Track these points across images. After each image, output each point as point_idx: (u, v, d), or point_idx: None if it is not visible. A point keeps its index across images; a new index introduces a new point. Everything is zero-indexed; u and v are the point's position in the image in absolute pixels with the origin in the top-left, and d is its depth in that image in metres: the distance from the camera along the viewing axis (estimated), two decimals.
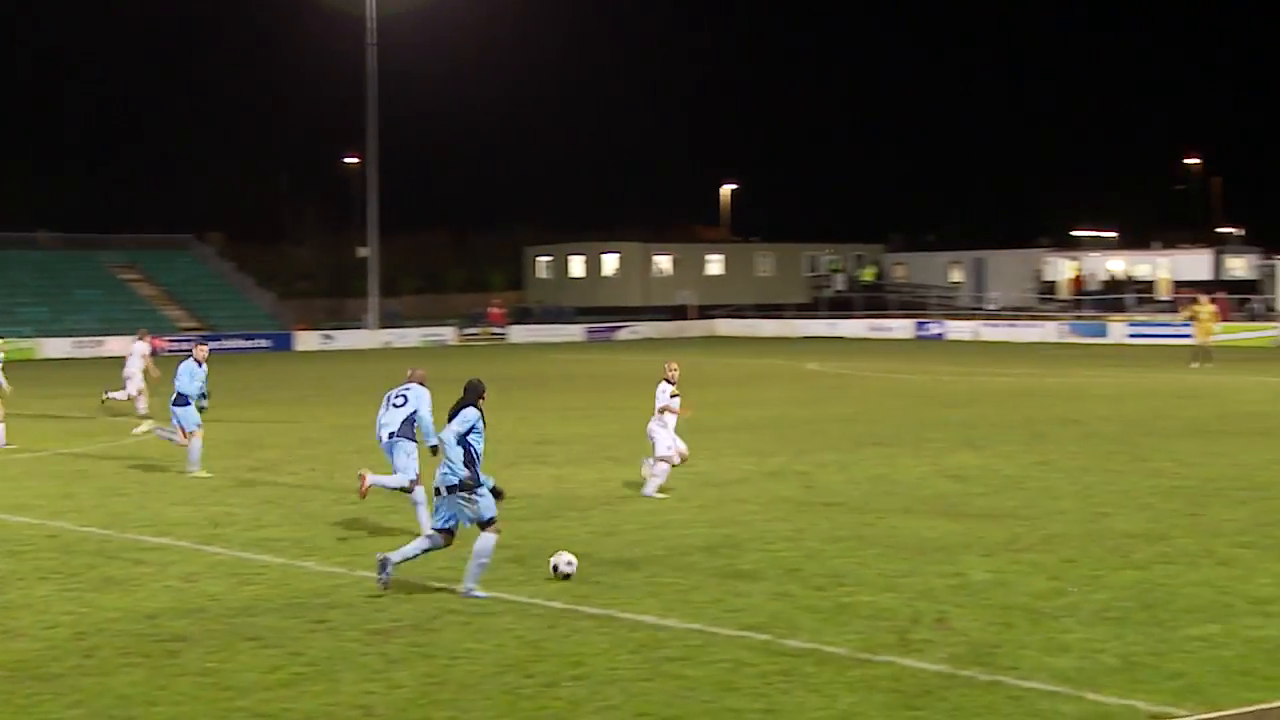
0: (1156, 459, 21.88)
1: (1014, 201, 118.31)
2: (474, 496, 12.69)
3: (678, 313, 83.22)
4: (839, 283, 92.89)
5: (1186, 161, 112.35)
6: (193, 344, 23.87)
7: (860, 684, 10.00)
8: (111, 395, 31.36)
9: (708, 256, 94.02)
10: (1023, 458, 22.34)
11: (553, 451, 24.19)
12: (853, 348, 62.39)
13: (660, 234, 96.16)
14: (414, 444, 15.89)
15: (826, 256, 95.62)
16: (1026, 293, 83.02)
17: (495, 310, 78.79)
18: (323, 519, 17.54)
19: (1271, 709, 6.15)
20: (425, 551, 13.03)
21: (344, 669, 10.63)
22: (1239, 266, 78.55)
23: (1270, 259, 75.12)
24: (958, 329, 69.21)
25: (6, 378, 27.70)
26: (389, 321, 76.02)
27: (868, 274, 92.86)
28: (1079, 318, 71.62)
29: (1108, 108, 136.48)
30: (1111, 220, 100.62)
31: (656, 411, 18.65)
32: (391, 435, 15.94)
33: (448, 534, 12.92)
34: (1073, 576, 13.41)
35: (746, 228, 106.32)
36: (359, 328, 74.09)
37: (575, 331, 76.58)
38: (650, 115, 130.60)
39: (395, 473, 15.94)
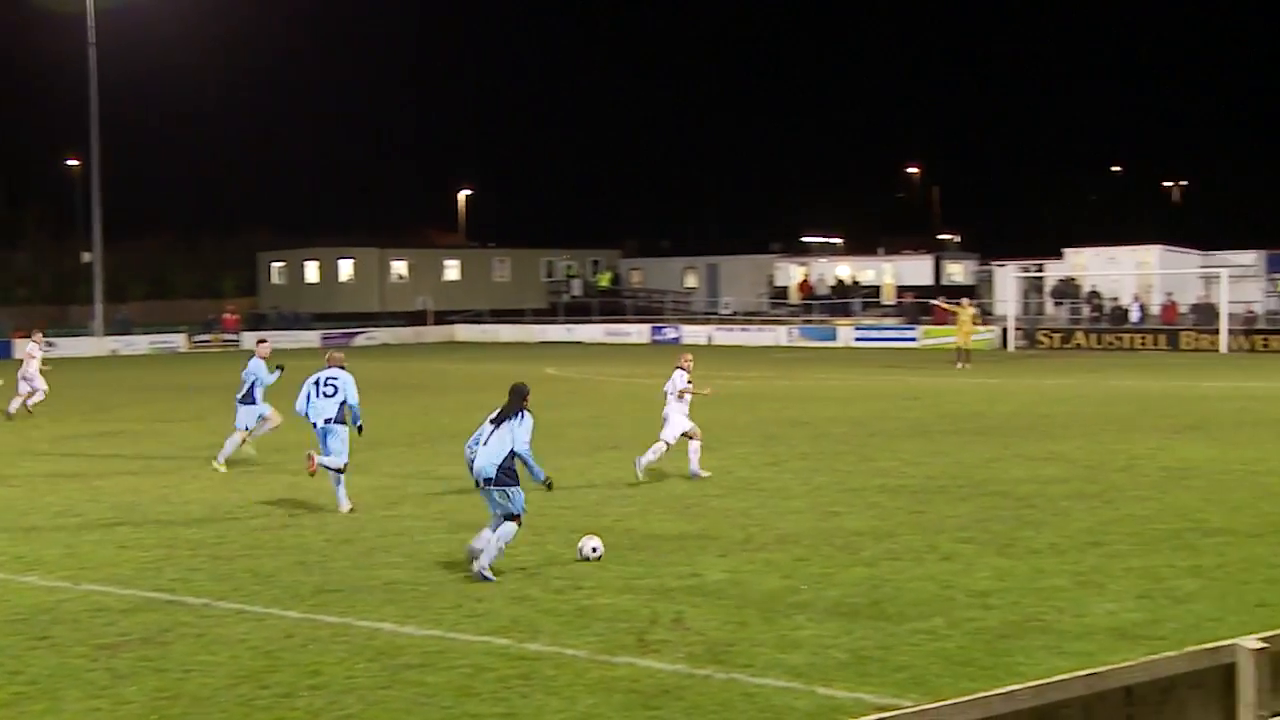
0: (882, 459, 22.56)
1: (746, 209, 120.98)
2: (510, 492, 13.94)
3: (416, 318, 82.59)
4: (576, 288, 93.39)
5: (908, 171, 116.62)
6: (256, 343, 25.14)
7: (599, 685, 10.06)
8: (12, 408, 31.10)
9: (445, 262, 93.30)
10: (756, 459, 22.78)
11: (289, 460, 23.69)
12: (590, 352, 62.83)
13: (397, 240, 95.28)
14: (346, 428, 18.06)
15: (563, 262, 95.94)
16: (759, 297, 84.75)
17: (229, 316, 76.96)
18: (46, 532, 16.84)
19: (991, 696, 6.39)
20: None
21: (68, 687, 10.22)
22: (958, 272, 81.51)
23: (987, 264, 78.19)
24: (693, 333, 70.31)
25: None
26: (117, 328, 73.50)
27: (604, 279, 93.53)
28: (808, 322, 73.48)
29: (835, 119, 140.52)
30: (838, 227, 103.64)
31: (675, 395, 20.78)
32: (327, 421, 18.04)
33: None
34: (805, 574, 13.72)
35: (484, 233, 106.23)
36: (85, 335, 71.45)
37: (311, 338, 75.24)
38: (386, 120, 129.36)
39: (329, 455, 17.92)
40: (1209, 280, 64.29)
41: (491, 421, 14.36)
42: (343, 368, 18.56)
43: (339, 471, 17.98)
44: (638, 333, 73.97)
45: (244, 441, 22.93)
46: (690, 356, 21.47)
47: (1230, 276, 59.99)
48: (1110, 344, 57.95)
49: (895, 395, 35.83)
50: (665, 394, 21.05)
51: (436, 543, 15.67)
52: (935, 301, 58.21)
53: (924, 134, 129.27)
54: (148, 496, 19.73)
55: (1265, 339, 55.10)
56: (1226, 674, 7.33)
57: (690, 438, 20.74)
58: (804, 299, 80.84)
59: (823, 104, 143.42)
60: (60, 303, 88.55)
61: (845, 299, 78.17)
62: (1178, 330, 57.23)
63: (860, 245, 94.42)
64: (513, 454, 14.10)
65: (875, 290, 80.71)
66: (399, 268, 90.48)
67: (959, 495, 18.61)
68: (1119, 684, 7.00)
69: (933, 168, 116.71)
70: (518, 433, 14.23)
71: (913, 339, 64.39)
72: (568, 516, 17.36)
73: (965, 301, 51.46)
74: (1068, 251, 71.54)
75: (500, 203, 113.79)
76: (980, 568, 13.90)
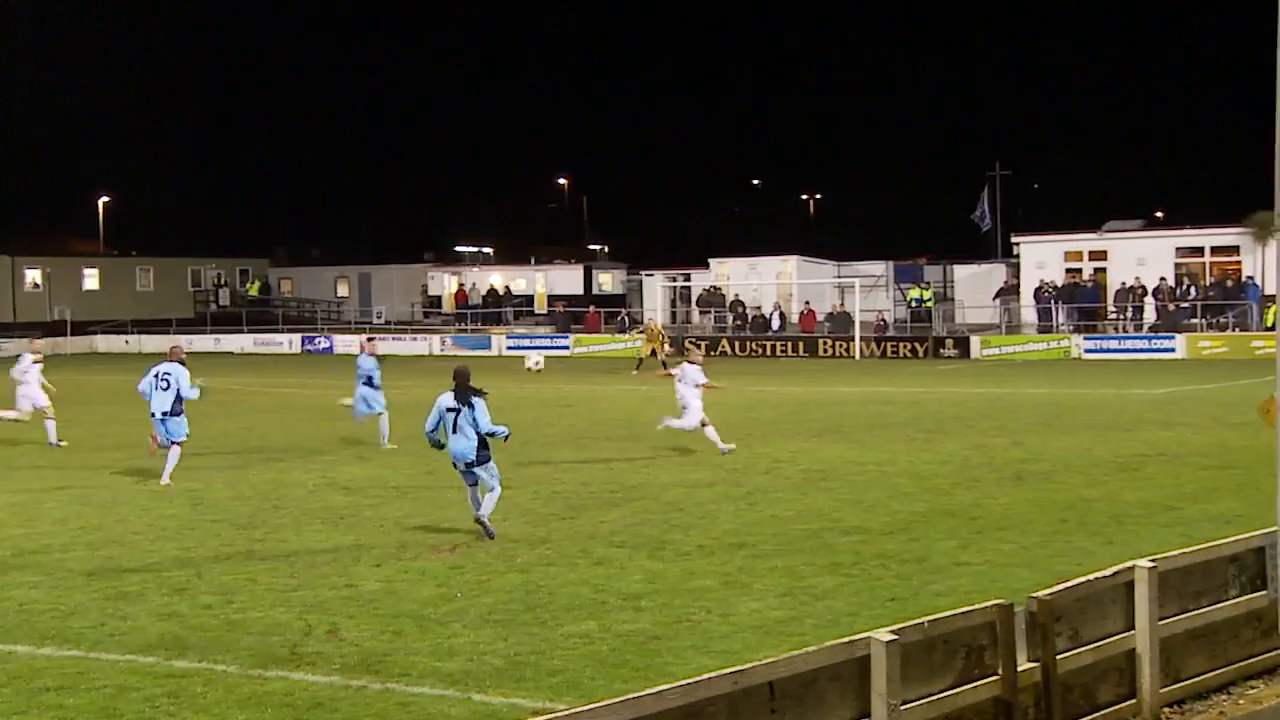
0: (536, 466, 22.74)
1: (399, 218, 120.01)
2: (490, 467, 16.23)
3: (53, 329, 78.74)
4: (224, 297, 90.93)
5: (559, 181, 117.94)
6: (365, 340, 27.35)
7: (251, 701, 9.81)
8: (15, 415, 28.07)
9: (84, 270, 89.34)
10: (410, 468, 22.62)
11: None
12: (239, 363, 61.21)
13: (31, 247, 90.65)
14: (183, 417, 21.50)
15: (210, 271, 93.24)
16: (413, 307, 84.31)
17: None
18: None
19: (642, 696, 6.52)
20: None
21: None
22: (608, 281, 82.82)
23: (636, 274, 79.74)
24: (346, 343, 69.34)
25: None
26: None
27: (252, 288, 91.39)
28: (462, 330, 73.56)
29: (488, 130, 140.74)
30: (491, 237, 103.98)
31: (693, 385, 23.81)
32: (165, 414, 21.30)
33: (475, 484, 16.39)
34: (460, 582, 13.71)
35: (126, 242, 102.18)
36: None
37: None
38: (19, 122, 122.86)
39: (170, 437, 21.34)
40: (843, 289, 67.26)
41: (449, 409, 16.16)
42: (181, 362, 21.61)
43: (178, 445, 21.39)
44: (288, 343, 72.52)
45: None
46: (699, 347, 25.75)
47: (862, 286, 62.98)
48: (753, 351, 59.89)
49: (548, 402, 36.17)
50: (680, 384, 24.18)
51: (77, 559, 14.98)
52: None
53: (574, 145, 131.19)
54: None
55: (894, 345, 57.95)
56: (862, 665, 7.67)
57: (683, 424, 23.82)
58: (458, 308, 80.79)
59: (476, 114, 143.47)
60: None
61: (498, 308, 78.47)
62: (815, 338, 59.63)
63: (513, 255, 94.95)
64: (481, 436, 16.10)
65: (528, 299, 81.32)
66: (33, 276, 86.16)
67: (611, 501, 18.90)
68: (763, 680, 7.24)
69: (582, 178, 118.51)
70: (479, 418, 16.10)
71: (565, 347, 65.11)
72: (217, 529, 16.88)
73: (649, 318, 53.40)
74: (713, 261, 73.71)
75: (144, 210, 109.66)
76: (632, 571, 14.15)
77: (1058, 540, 15.38)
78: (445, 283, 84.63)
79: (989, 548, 14.99)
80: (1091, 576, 9.29)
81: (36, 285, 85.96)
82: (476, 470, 16.24)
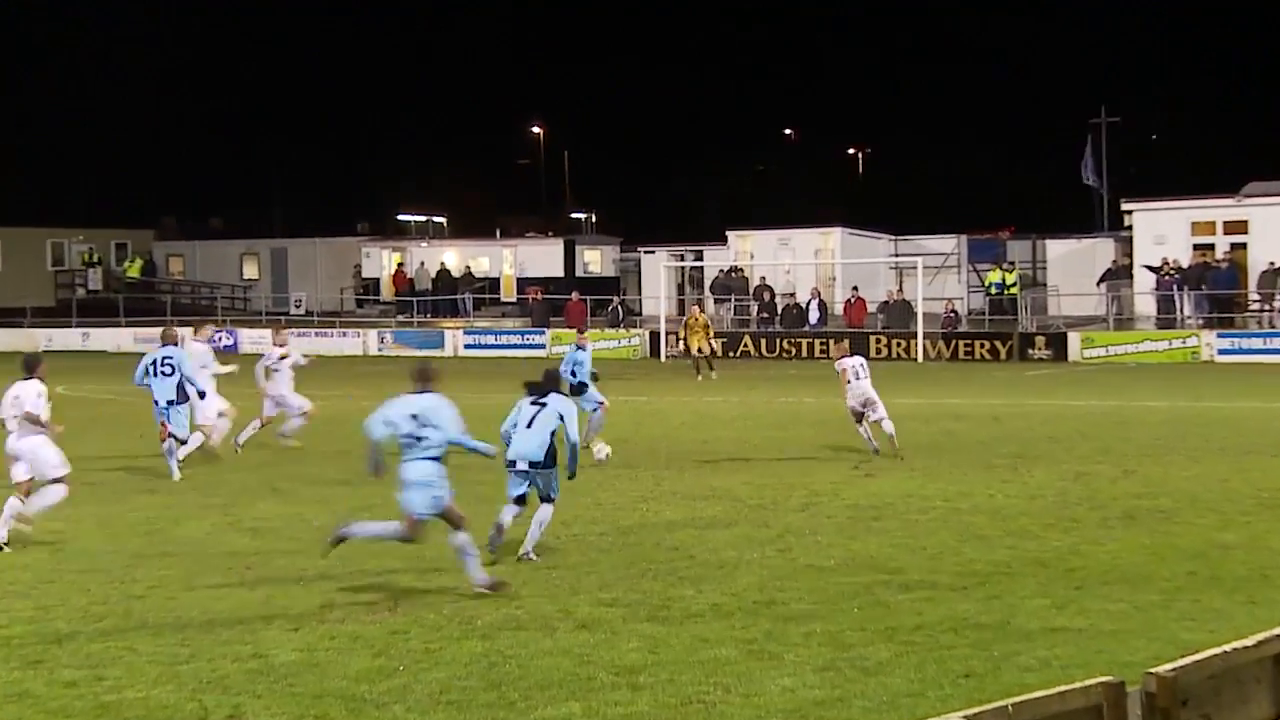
0: (503, 500, 22.61)
1: (323, 178, 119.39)
2: (551, 475, 18.13)
3: None
4: (94, 280, 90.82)
5: (530, 131, 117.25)
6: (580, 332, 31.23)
7: None
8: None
9: None
10: (340, 503, 22.58)
11: None
12: (116, 365, 61.18)
13: None
14: (186, 407, 26.00)
15: (78, 246, 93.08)
16: (342, 293, 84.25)
17: None
18: None
19: None
20: (514, 518, 18.27)
21: None
22: (595, 260, 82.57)
23: (632, 251, 79.55)
24: (256, 339, 69.28)
25: None
26: None
27: (133, 269, 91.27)
28: (406, 324, 73.51)
29: (436, 64, 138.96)
30: (443, 203, 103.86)
31: None
32: (170, 403, 25.72)
33: (522, 500, 18.29)
34: (403, 651, 13.68)
35: None
36: None
37: None
38: None
39: (181, 430, 25.99)
40: (902, 271, 67.33)
41: (532, 403, 18.27)
42: (177, 344, 26.58)
43: (181, 443, 25.91)
44: (180, 337, 72.34)
45: None
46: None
47: (926, 267, 63.02)
48: (785, 351, 59.97)
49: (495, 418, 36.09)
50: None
51: None
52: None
53: (549, 84, 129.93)
54: None
55: (968, 344, 57.99)
56: None
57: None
58: (400, 294, 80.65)
59: (420, 44, 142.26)
60: None
61: (454, 294, 78.27)
62: (866, 333, 59.65)
63: (472, 226, 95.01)
64: (553, 437, 17.97)
65: (493, 283, 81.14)
66: None
67: (599, 545, 18.87)
68: None
69: (562, 127, 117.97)
70: (569, 424, 18.10)
71: (541, 345, 65.19)
72: (85, 583, 16.87)
73: (695, 308, 53.53)
74: (732, 235, 73.80)
75: None
76: (627, 637, 14.13)
77: (1183, 599, 15.37)
78: (384, 261, 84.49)
79: (1092, 608, 14.98)
80: (1228, 648, 9.27)
81: None
82: (536, 474, 18.03)
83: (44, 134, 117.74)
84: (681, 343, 53.37)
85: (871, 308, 63.73)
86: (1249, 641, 9.44)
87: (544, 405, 18.18)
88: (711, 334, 51.19)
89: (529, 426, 18.07)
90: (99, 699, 12.31)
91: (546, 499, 18.09)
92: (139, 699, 12.28)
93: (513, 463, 18.13)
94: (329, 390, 42.02)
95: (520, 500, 18.23)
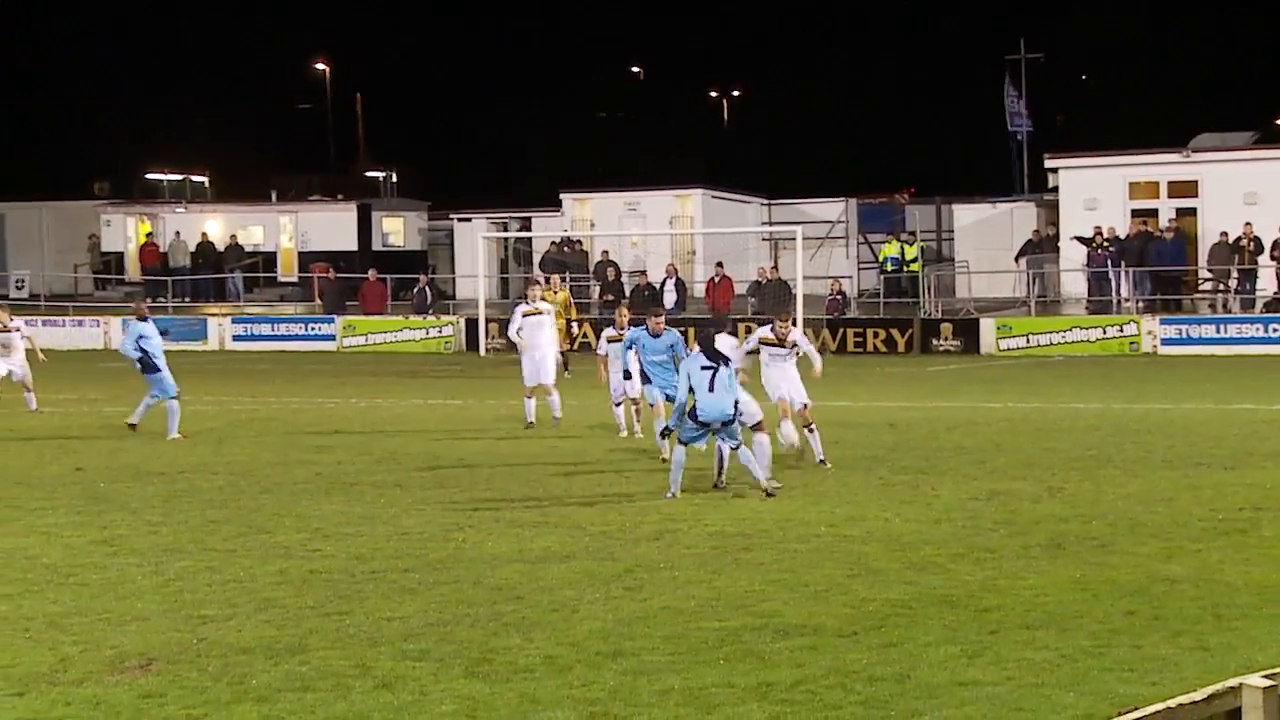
0: (283, 530, 22.61)
1: (48, 127, 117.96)
2: (741, 418, 24.68)
3: None
4: None
5: (314, 69, 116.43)
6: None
7: None
8: None
9: None
10: (75, 534, 22.41)
11: None
12: None
13: None
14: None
15: None
16: (76, 270, 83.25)
17: None
18: None
19: None
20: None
21: None
22: (396, 230, 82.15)
23: (444, 218, 79.24)
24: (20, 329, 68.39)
25: None
26: None
27: None
28: (159, 308, 72.67)
29: None
30: (203, 159, 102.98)
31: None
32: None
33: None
34: (158, 719, 13.62)
35: None
36: None
37: None
38: None
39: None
40: (777, 243, 67.69)
41: (704, 368, 24.25)
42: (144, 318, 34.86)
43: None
44: None
45: None
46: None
47: (807, 238, 63.32)
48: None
49: (303, 428, 36.00)
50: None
51: None
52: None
53: (338, 13, 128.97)
54: None
55: (859, 334, 58.37)
56: None
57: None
58: (149, 272, 79.89)
59: None
60: None
61: (218, 273, 77.65)
62: (733, 319, 59.68)
63: (241, 187, 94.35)
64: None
65: (268, 259, 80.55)
66: None
67: (404, 585, 18.85)
68: None
69: (352, 64, 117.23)
70: (734, 379, 24.58)
71: (329, 337, 64.91)
72: None
73: (554, 280, 52.32)
74: (567, 199, 73.82)
75: None
76: (439, 698, 14.12)
77: (1120, 645, 15.59)
78: (129, 231, 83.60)
79: (1010, 657, 15.17)
80: (1174, 702, 9.45)
81: None
82: (734, 425, 24.27)
83: None
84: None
85: (740, 289, 63.92)
86: (1198, 696, 9.63)
87: (715, 367, 24.20)
88: (574, 314, 50.63)
89: (711, 390, 24.10)
90: None
91: (736, 445, 24.50)
92: None
93: (708, 423, 24.28)
94: (62, 393, 41.73)
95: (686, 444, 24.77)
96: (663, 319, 29.98)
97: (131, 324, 36.29)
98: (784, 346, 28.50)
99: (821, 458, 28.13)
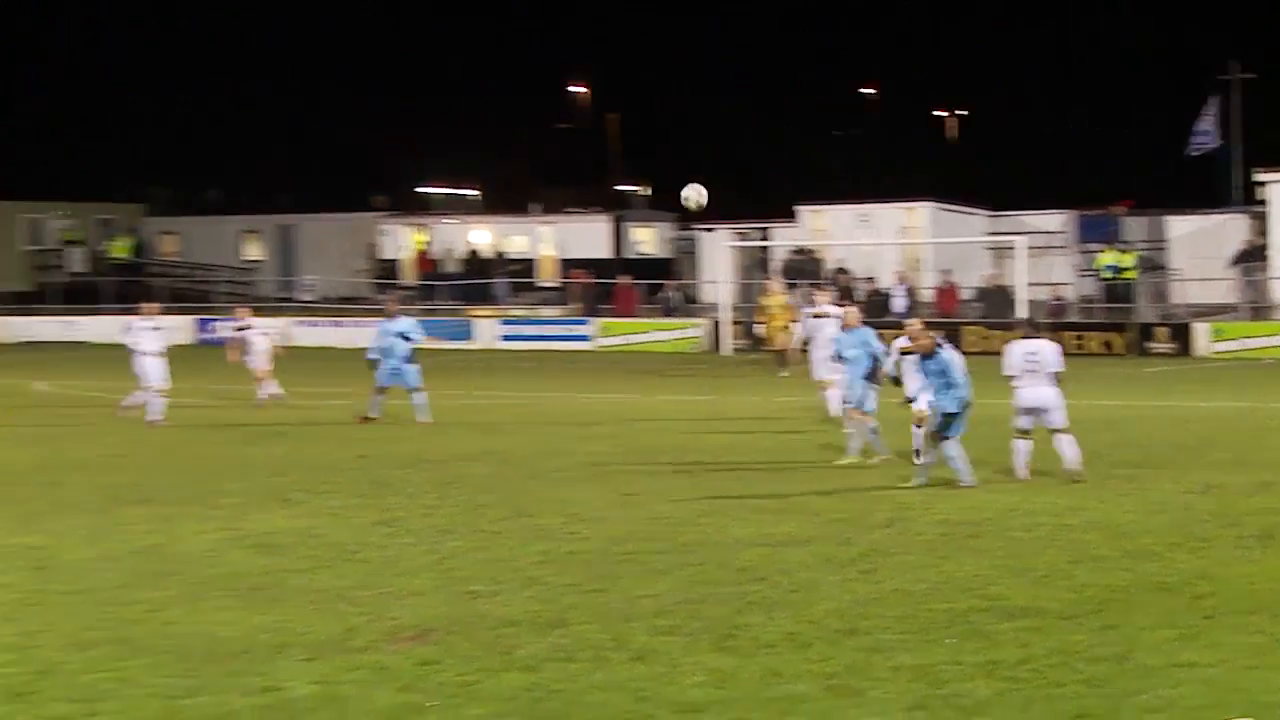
0: (546, 513, 22.77)
1: (335, 146, 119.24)
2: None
3: None
4: (77, 261, 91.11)
5: (572, 91, 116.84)
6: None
7: None
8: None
9: None
10: (358, 516, 22.72)
11: None
12: (101, 357, 61.52)
13: None
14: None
15: (57, 223, 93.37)
16: (356, 276, 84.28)
17: None
18: None
19: None
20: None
21: None
22: (648, 240, 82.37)
23: (688, 229, 79.34)
24: (259, 327, 69.38)
25: None
26: None
27: (120, 248, 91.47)
28: (431, 312, 73.41)
29: (465, 15, 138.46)
30: (474, 173, 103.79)
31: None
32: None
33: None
34: (434, 685, 13.75)
35: None
36: None
37: None
38: None
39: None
40: (1000, 253, 67.02)
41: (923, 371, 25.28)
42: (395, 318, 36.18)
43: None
44: (176, 327, 72.68)
45: None
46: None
47: (1029, 248, 62.66)
48: None
49: (564, 420, 36.20)
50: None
51: None
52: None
53: (595, 39, 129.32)
54: None
55: (1078, 338, 57.65)
56: None
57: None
58: (423, 278, 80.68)
59: None
60: None
61: (485, 279, 78.24)
62: (958, 323, 59.33)
63: (506, 200, 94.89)
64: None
65: (528, 266, 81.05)
66: None
67: (656, 566, 18.90)
68: None
69: (610, 88, 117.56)
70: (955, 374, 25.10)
71: (585, 337, 65.22)
72: (74, 605, 17.01)
73: (775, 285, 52.44)
74: (803, 211, 73.52)
75: None
76: (689, 670, 14.15)
77: None
78: (404, 241, 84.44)
79: (1225, 641, 14.95)
80: None
81: None
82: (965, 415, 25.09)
83: (16, 92, 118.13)
84: (757, 328, 52.92)
85: (965, 294, 63.43)
86: None
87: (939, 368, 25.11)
88: (796, 316, 50.27)
89: (954, 387, 24.91)
90: None
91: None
92: None
93: (945, 413, 24.80)
94: (344, 386, 42.29)
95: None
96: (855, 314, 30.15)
97: (383, 323, 37.13)
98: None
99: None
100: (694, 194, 28.55)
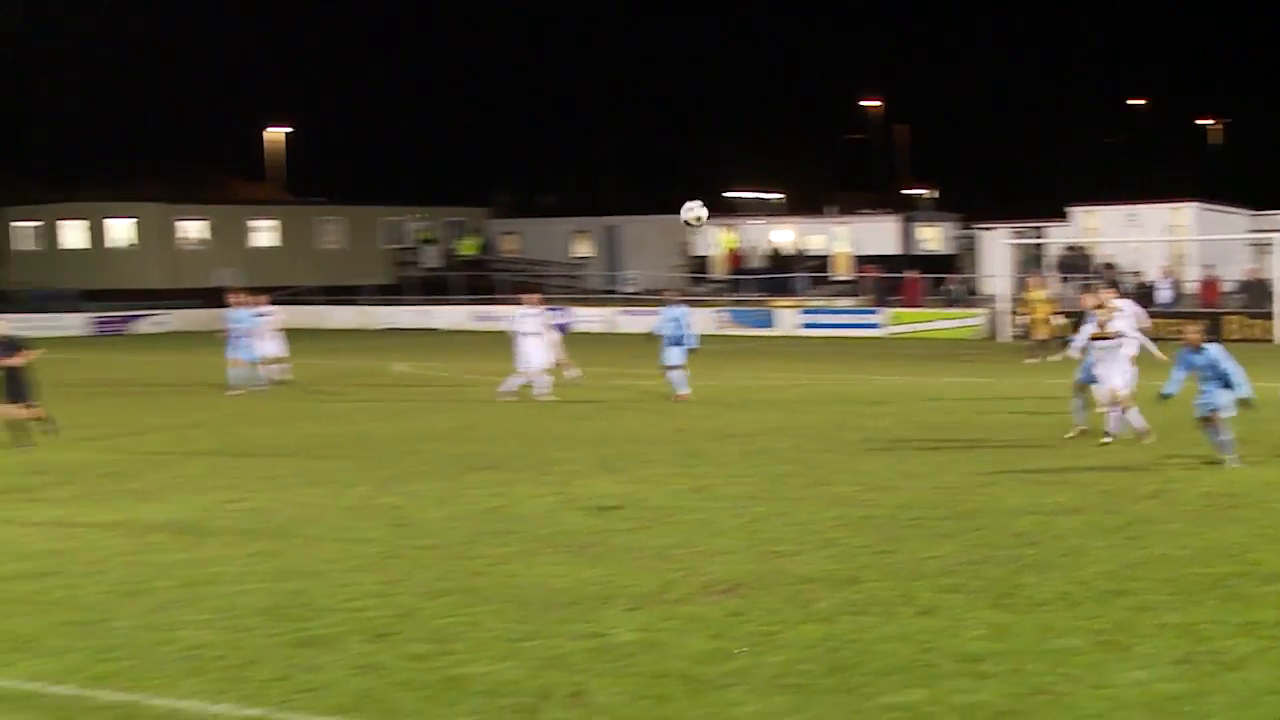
0: (841, 482, 22.73)
1: (654, 155, 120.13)
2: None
3: (216, 297, 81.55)
4: (432, 258, 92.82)
5: (865, 105, 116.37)
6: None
7: None
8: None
9: (253, 222, 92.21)
10: (674, 483, 22.88)
11: (50, 485, 23.48)
12: (452, 342, 62.73)
13: (188, 192, 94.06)
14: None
15: (414, 224, 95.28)
16: (671, 271, 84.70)
17: None
18: None
19: None
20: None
21: None
22: (933, 238, 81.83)
23: (969, 228, 78.63)
24: (588, 317, 70.21)
25: None
26: None
27: (468, 247, 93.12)
28: (739, 303, 73.73)
29: (768, 39, 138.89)
30: (776, 179, 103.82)
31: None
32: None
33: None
34: (742, 634, 13.79)
35: (305, 186, 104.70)
36: None
37: (75, 323, 74.49)
38: (169, 39, 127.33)
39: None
40: (1260, 249, 65.33)
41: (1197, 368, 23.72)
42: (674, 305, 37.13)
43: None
44: (513, 316, 73.66)
45: None
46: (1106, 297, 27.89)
47: None
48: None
49: (856, 399, 36.07)
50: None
51: (256, 593, 15.55)
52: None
53: (886, 57, 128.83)
54: None
55: None
56: None
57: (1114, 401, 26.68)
58: (732, 273, 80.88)
59: (753, 18, 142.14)
60: None
61: (786, 273, 78.27)
62: (1219, 314, 58.06)
63: (805, 203, 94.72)
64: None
65: (825, 262, 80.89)
66: (191, 230, 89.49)
67: (941, 530, 18.79)
68: None
69: (898, 101, 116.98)
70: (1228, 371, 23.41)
71: (875, 325, 64.97)
72: (427, 559, 17.35)
73: (1034, 280, 52.22)
74: (1075, 211, 72.40)
75: (327, 145, 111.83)
76: (971, 624, 14.05)
77: None
78: (715, 240, 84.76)
79: None
80: None
81: (195, 242, 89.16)
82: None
83: (379, 112, 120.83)
84: (1022, 318, 52.34)
85: (1228, 288, 61.99)
86: None
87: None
88: (1053, 310, 49.47)
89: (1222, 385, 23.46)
90: (445, 672, 12.65)
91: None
92: (484, 674, 12.59)
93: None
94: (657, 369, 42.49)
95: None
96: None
97: (666, 309, 37.93)
98: (1109, 339, 27.06)
99: (1109, 434, 26.77)
100: (692, 213, 28.38)
